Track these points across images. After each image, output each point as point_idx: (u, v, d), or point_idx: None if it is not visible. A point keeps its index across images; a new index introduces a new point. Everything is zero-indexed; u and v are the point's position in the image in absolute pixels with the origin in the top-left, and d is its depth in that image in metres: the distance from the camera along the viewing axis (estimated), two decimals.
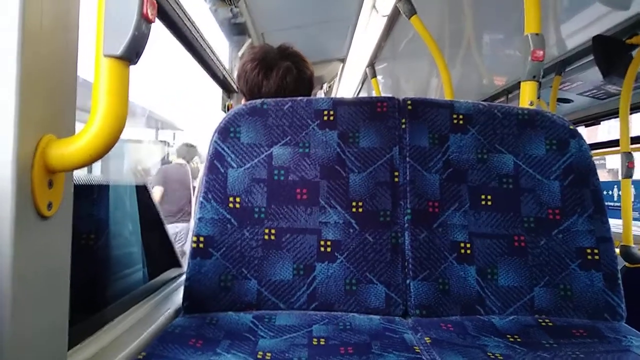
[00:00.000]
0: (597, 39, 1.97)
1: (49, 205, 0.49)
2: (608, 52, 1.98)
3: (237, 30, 2.50)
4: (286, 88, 1.20)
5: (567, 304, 0.88)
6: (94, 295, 0.79)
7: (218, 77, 2.29)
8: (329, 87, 4.65)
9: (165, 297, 0.97)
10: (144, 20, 0.49)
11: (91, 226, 0.82)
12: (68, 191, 0.53)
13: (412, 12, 2.30)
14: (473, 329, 0.80)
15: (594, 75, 2.35)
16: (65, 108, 0.53)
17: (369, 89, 4.32)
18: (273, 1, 2.33)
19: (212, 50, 1.94)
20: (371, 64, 3.60)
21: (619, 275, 0.90)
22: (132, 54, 0.49)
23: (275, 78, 1.19)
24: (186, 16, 1.51)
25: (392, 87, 4.38)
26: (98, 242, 0.84)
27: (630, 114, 2.33)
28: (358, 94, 4.72)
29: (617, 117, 2.22)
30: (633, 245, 2.13)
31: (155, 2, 0.51)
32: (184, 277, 0.87)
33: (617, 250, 2.05)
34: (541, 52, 1.26)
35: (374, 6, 2.60)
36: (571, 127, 0.95)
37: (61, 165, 0.49)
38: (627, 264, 2.15)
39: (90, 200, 0.82)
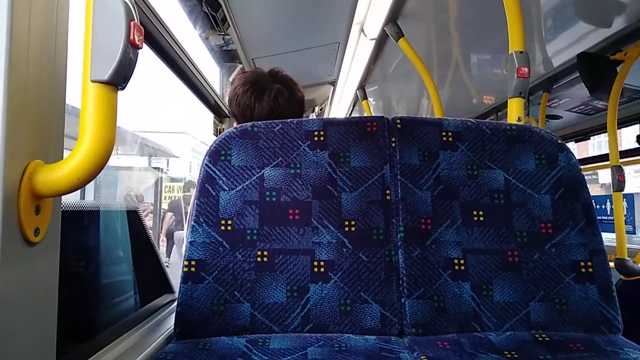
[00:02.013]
0: (582, 56, 2.01)
1: (36, 231, 0.49)
2: (593, 68, 2.02)
3: (228, 56, 2.53)
4: (278, 110, 1.21)
5: (563, 318, 0.87)
6: (83, 323, 0.78)
7: (209, 102, 2.30)
8: (321, 109, 4.69)
9: (157, 324, 0.95)
10: (131, 46, 0.50)
11: (81, 252, 0.81)
12: (56, 217, 0.53)
13: (400, 35, 2.36)
14: (470, 346, 0.79)
15: (581, 91, 2.39)
16: (53, 133, 0.53)
17: (360, 111, 4.36)
18: (263, 28, 2.37)
19: (202, 76, 1.96)
20: (361, 87, 3.64)
21: (614, 288, 0.89)
22: (119, 79, 0.49)
23: (268, 100, 1.20)
24: (176, 43, 1.53)
25: (384, 108, 4.43)
26: (88, 269, 0.83)
27: (619, 128, 2.37)
28: (349, 116, 4.76)
29: (606, 131, 2.25)
30: (627, 258, 2.13)
31: (142, 28, 0.51)
32: (176, 302, 0.86)
33: (612, 264, 2.04)
34: (526, 69, 1.29)
35: (362, 30, 2.64)
36: (559, 141, 0.96)
37: (48, 190, 0.49)
38: (622, 277, 2.15)
39: (80, 226, 0.81)
